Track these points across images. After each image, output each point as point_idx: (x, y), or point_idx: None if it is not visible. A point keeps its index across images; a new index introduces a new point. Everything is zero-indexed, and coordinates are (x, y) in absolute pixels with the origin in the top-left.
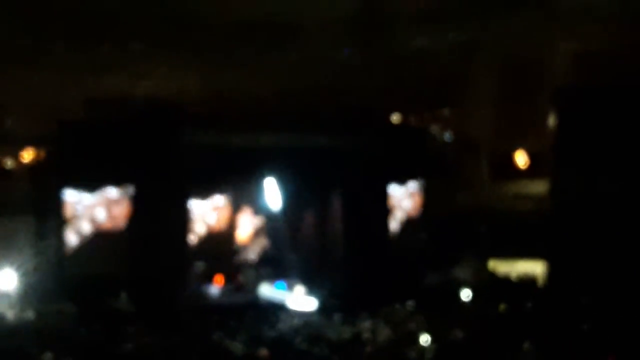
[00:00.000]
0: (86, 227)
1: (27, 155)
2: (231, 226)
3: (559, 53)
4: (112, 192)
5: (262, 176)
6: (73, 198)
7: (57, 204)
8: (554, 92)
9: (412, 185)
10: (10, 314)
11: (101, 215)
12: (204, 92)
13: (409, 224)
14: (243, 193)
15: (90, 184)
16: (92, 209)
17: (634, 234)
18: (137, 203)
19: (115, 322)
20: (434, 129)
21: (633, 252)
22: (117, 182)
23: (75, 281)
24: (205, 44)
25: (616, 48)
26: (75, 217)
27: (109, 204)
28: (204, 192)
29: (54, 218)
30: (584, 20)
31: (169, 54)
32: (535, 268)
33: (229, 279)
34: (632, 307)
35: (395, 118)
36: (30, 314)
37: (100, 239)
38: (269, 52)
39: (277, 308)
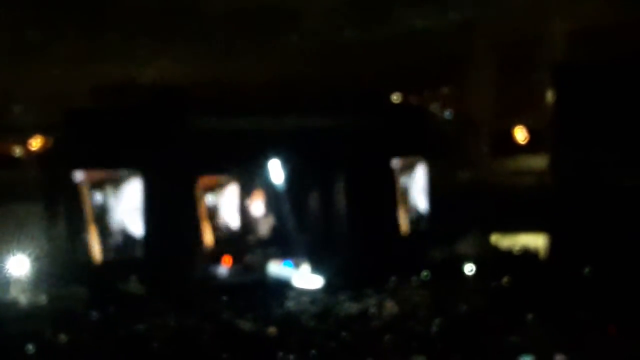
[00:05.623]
0: (97, 213)
1: (35, 143)
2: (238, 207)
3: (556, 30)
4: (121, 178)
5: (268, 158)
6: (82, 184)
7: (66, 191)
8: (552, 68)
9: (414, 163)
10: (23, 299)
11: (111, 200)
12: (209, 78)
13: (411, 200)
14: (249, 175)
15: (100, 171)
16: (102, 195)
17: (632, 207)
18: (147, 188)
19: (126, 304)
20: (435, 107)
21: (631, 224)
22: (126, 167)
23: (87, 265)
24: (209, 32)
25: (612, 25)
26: (85, 202)
27: (118, 189)
28: (211, 176)
29: (64, 204)
30: None
31: (175, 42)
32: (536, 241)
33: (237, 260)
34: (632, 277)
35: (396, 97)
36: (42, 298)
37: (110, 223)
38: (271, 37)
39: (285, 286)
